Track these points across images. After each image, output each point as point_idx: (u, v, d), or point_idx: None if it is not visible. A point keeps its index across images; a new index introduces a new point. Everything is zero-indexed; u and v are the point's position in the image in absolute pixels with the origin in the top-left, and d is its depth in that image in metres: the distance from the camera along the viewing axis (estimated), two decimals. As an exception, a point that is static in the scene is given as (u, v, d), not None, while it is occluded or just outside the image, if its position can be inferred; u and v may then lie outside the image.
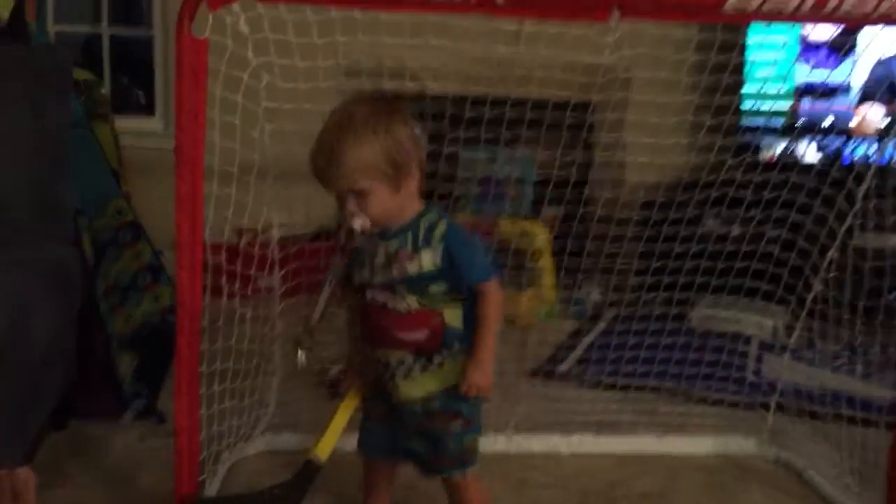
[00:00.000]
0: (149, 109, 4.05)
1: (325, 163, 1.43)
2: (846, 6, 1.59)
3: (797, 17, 1.61)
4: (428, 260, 1.50)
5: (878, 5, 1.59)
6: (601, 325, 3.31)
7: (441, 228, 1.51)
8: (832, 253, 2.18)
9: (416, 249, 1.50)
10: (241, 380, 2.04)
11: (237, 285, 2.00)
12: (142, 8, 4.14)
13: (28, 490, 1.50)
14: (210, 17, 1.49)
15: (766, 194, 2.48)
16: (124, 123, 3.58)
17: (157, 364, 2.57)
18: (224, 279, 1.92)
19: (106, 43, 3.98)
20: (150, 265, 2.96)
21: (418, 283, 1.51)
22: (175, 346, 1.63)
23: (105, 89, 3.67)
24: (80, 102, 2.73)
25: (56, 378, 1.83)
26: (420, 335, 1.53)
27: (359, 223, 1.46)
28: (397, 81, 2.26)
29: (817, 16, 1.63)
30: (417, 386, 1.56)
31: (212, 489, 1.86)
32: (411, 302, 1.52)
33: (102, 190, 2.78)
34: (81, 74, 2.99)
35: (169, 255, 3.33)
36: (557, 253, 2.78)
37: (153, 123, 3.99)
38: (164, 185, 1.64)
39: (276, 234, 2.09)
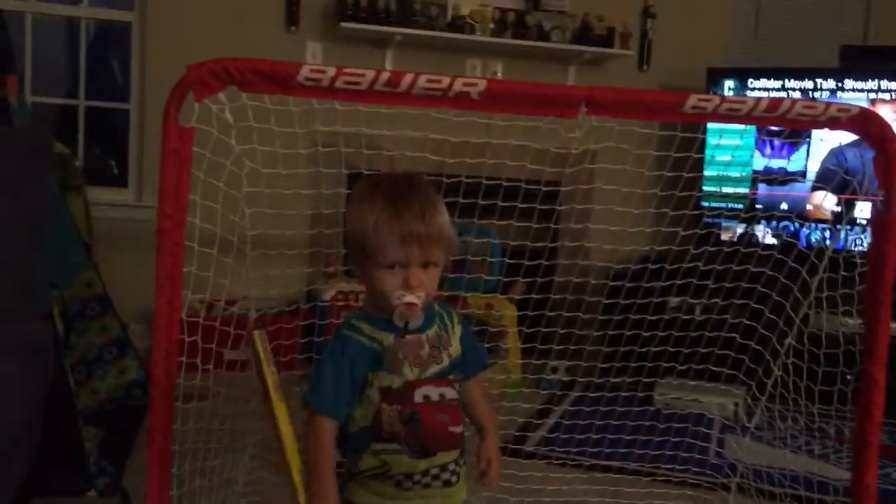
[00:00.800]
0: (121, 180, 4.06)
1: (424, 228, 1.30)
2: (797, 110, 1.70)
3: (752, 119, 1.73)
4: (457, 344, 1.42)
5: (825, 110, 1.71)
6: (566, 406, 3.34)
7: (455, 313, 1.45)
8: (789, 340, 2.27)
9: (448, 334, 1.41)
10: (213, 458, 2.03)
11: (212, 361, 2.00)
12: (116, 79, 4.20)
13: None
14: (196, 106, 1.54)
15: (727, 283, 2.58)
16: (97, 194, 3.61)
17: (121, 440, 2.54)
18: (199, 357, 1.92)
19: (82, 115, 4.01)
20: (117, 339, 2.96)
21: (453, 370, 1.40)
22: (139, 421, 1.61)
23: (79, 162, 3.70)
24: (55, 175, 2.76)
25: (25, 457, 1.81)
26: (462, 427, 1.38)
27: (415, 299, 1.30)
28: (374, 165, 2.33)
29: (770, 118, 1.74)
30: (463, 486, 1.41)
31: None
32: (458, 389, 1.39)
33: (73, 261, 2.79)
34: (56, 147, 3.03)
35: (136, 328, 3.33)
36: (528, 335, 2.83)
37: (125, 195, 4.00)
38: (135, 256, 1.62)
39: (252, 311, 2.10)
